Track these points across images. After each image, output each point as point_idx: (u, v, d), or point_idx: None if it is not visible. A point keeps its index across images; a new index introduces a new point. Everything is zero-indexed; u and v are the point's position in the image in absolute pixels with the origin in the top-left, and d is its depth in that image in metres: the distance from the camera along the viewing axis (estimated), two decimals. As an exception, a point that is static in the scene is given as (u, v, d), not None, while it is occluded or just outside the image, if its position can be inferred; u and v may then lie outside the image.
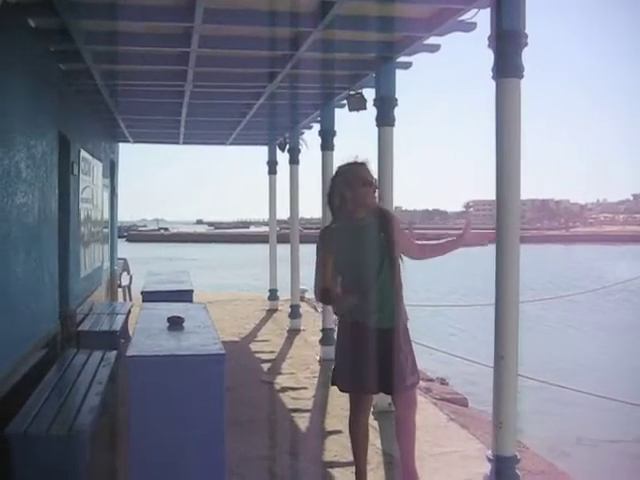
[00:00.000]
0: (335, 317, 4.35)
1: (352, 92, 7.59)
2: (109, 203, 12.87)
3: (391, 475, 4.85)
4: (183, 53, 6.53)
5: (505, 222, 4.31)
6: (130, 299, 13.56)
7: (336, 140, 8.87)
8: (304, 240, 11.90)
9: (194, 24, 5.50)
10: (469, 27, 5.72)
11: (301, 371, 8.09)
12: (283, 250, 12.30)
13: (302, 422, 6.16)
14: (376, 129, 6.63)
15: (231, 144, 13.62)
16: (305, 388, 7.31)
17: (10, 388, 4.93)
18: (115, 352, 6.42)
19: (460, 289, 26.01)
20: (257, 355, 9.14)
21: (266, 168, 13.53)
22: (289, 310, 11.31)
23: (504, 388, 4.28)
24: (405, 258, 4.27)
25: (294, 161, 11.54)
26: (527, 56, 4.30)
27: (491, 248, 4.37)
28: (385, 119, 6.59)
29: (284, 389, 7.27)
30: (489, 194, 4.45)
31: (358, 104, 7.43)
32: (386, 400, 5.66)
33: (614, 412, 8.45)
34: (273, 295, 13.40)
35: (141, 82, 7.97)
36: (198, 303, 6.94)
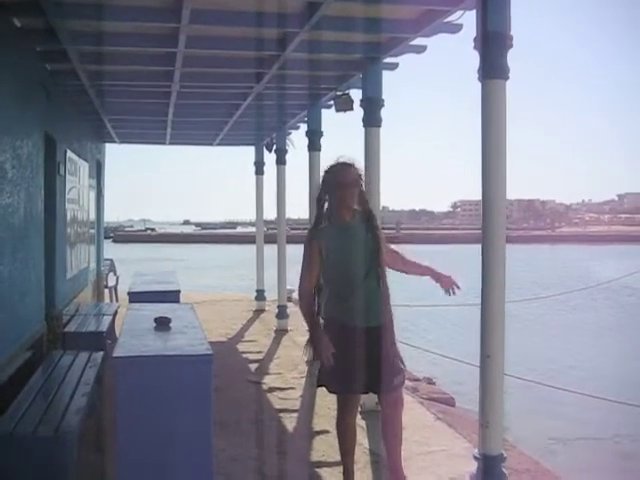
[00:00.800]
0: (321, 318, 4.32)
1: (339, 93, 7.61)
2: (95, 204, 12.82)
3: (378, 474, 4.86)
4: (170, 53, 6.52)
5: (491, 222, 4.34)
6: (117, 300, 13.50)
7: (323, 140, 8.91)
8: (291, 240, 11.89)
9: (181, 24, 5.50)
10: (455, 28, 5.76)
11: (288, 371, 8.09)
12: (270, 251, 12.30)
13: (289, 422, 6.17)
14: (363, 130, 6.66)
15: (218, 144, 13.61)
16: (293, 388, 7.31)
17: (-4, 389, 4.91)
18: (102, 353, 6.39)
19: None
20: (244, 355, 9.13)
21: (253, 168, 13.52)
22: (276, 310, 11.30)
23: (490, 387, 4.31)
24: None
25: (281, 162, 11.54)
26: (513, 56, 4.35)
27: (477, 248, 4.41)
28: (372, 120, 6.60)
29: (271, 389, 7.27)
30: (476, 194, 4.48)
31: (345, 105, 7.45)
32: (373, 399, 5.68)
33: (599, 410, 8.51)
34: (260, 295, 13.40)
35: (128, 82, 7.95)
36: (185, 303, 6.92)
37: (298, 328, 10.70)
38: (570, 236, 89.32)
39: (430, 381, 9.75)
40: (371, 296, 4.12)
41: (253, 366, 8.50)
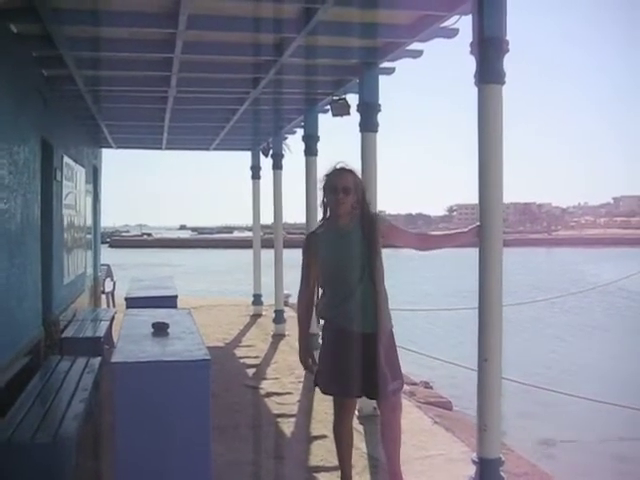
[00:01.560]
0: (321, 322, 4.35)
1: (335, 98, 7.62)
2: (92, 209, 12.82)
3: (377, 479, 4.86)
4: (166, 59, 6.53)
5: (488, 226, 4.35)
6: (114, 305, 13.50)
7: (320, 145, 8.90)
8: (288, 245, 11.90)
9: (177, 30, 5.51)
10: (451, 33, 5.78)
11: (286, 376, 8.09)
12: (267, 255, 12.30)
13: (287, 427, 6.16)
14: (359, 134, 6.67)
15: (214, 149, 13.61)
16: (290, 393, 7.30)
17: (-7, 396, 4.90)
18: (99, 358, 6.39)
19: (439, 292, 26.13)
20: (242, 360, 9.12)
21: (250, 173, 13.53)
22: (273, 315, 11.30)
23: (488, 391, 4.31)
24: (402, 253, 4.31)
25: (277, 166, 11.55)
26: (507, 58, 4.36)
27: (474, 252, 4.41)
28: (368, 125, 6.62)
29: (269, 394, 7.27)
30: (472, 198, 4.49)
31: (342, 110, 7.46)
32: (371, 404, 5.69)
33: (596, 413, 8.53)
34: (257, 300, 13.39)
35: (124, 88, 7.96)
36: (182, 309, 6.92)
37: (295, 333, 10.69)
38: (566, 239, 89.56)
39: (427, 385, 9.76)
40: (367, 301, 4.11)
41: (251, 371, 8.49)
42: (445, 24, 5.57)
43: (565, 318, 20.14)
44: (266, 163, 12.34)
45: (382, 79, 6.79)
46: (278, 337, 10.73)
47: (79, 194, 10.56)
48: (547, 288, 25.87)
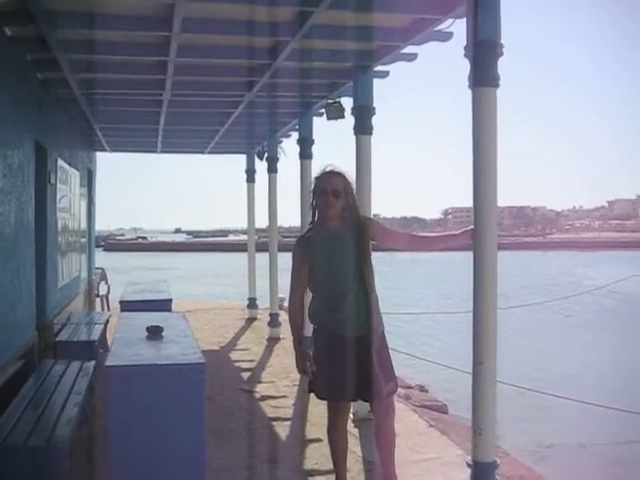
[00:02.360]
0: (312, 325, 4.34)
1: (330, 101, 7.63)
2: (86, 212, 12.79)
3: (371, 482, 4.86)
4: (161, 62, 6.53)
5: (482, 229, 4.35)
6: (108, 309, 13.45)
7: (315, 148, 8.91)
8: (283, 248, 11.86)
9: (172, 33, 5.51)
10: (446, 37, 5.79)
11: (281, 380, 8.08)
12: (262, 259, 12.29)
13: (282, 431, 6.15)
14: (354, 137, 6.68)
15: (209, 153, 13.61)
16: (285, 397, 7.29)
17: (-13, 400, 4.88)
18: (93, 362, 6.37)
19: (432, 295, 26.17)
20: (237, 364, 9.11)
21: (244, 176, 13.53)
22: (268, 319, 11.29)
23: (483, 394, 4.31)
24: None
25: (272, 170, 11.54)
26: (501, 60, 4.37)
27: (469, 255, 4.41)
28: (363, 128, 6.62)
29: (264, 398, 7.25)
30: (467, 201, 4.49)
31: (336, 113, 7.47)
32: (366, 407, 5.68)
33: (591, 416, 8.54)
34: (252, 304, 13.37)
35: (119, 91, 7.95)
36: (177, 312, 6.92)
37: (290, 336, 10.68)
38: (561, 243, 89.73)
39: (422, 388, 9.76)
40: (359, 305, 4.10)
41: (245, 374, 8.48)
42: (439, 27, 5.57)
43: (560, 320, 20.18)
44: (261, 166, 12.36)
45: (376, 82, 6.81)
46: (273, 340, 10.72)
47: (73, 197, 10.54)
48: (544, 291, 25.95)
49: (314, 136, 9.00)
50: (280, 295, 12.05)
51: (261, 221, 13.83)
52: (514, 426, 8.26)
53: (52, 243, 8.44)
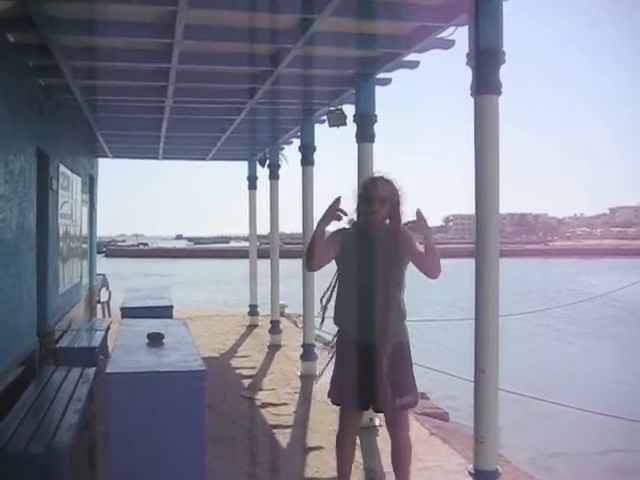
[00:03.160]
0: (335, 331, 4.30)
1: (332, 108, 7.64)
2: (88, 218, 12.80)
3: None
4: (163, 69, 6.54)
5: (484, 236, 4.35)
6: (109, 315, 13.45)
7: (316, 155, 8.91)
8: (284, 255, 11.90)
9: (174, 40, 5.52)
10: (448, 44, 5.79)
11: (282, 387, 8.06)
12: (263, 265, 12.29)
13: (283, 438, 6.14)
14: (356, 145, 6.68)
15: (211, 159, 13.62)
16: (286, 404, 7.28)
17: (-13, 406, 4.86)
18: (94, 369, 6.36)
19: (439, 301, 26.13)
20: (238, 371, 9.09)
21: (246, 183, 13.53)
22: (269, 326, 11.28)
23: (485, 402, 4.30)
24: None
25: (274, 176, 11.56)
26: (506, 69, 4.37)
27: (470, 262, 4.41)
28: (365, 135, 6.63)
29: (265, 405, 7.24)
30: (468, 208, 4.48)
31: (338, 120, 7.47)
32: (367, 416, 5.67)
33: (592, 424, 8.52)
34: (253, 311, 13.36)
35: (121, 98, 7.96)
36: (178, 319, 6.91)
37: (292, 343, 10.68)
38: (563, 250, 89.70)
39: (424, 396, 9.72)
40: (378, 312, 4.00)
41: (246, 382, 8.46)
42: (441, 35, 5.58)
43: (562, 328, 20.17)
44: (263, 173, 12.38)
45: (378, 89, 6.82)
46: (274, 348, 10.70)
47: (75, 203, 10.54)
48: (546, 298, 25.94)
49: (316, 143, 9.00)
50: (281, 302, 12.06)
51: (263, 228, 13.86)
52: (515, 434, 8.23)
53: (53, 249, 8.44)
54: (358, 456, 5.36)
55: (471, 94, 4.38)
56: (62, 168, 9.06)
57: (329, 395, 4.25)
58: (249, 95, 7.74)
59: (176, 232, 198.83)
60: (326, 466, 5.28)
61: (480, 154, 4.36)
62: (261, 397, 7.59)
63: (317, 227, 4.14)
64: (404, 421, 4.18)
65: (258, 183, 13.36)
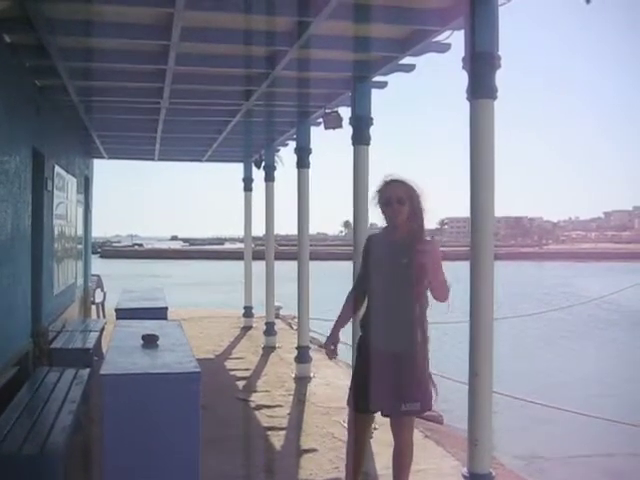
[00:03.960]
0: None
1: (328, 110, 7.65)
2: (83, 219, 12.78)
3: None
4: (159, 70, 6.54)
5: (479, 239, 4.37)
6: (104, 316, 13.42)
7: (312, 158, 8.91)
8: (279, 257, 11.89)
9: (171, 42, 5.52)
10: (444, 48, 5.81)
11: (276, 389, 8.06)
12: (259, 267, 12.28)
13: (277, 440, 6.13)
14: (352, 147, 6.69)
15: (207, 161, 13.62)
16: (280, 406, 7.28)
17: (-19, 407, 4.85)
18: (88, 370, 6.35)
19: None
20: (232, 373, 9.09)
21: (242, 185, 13.53)
22: (264, 327, 11.27)
23: (479, 405, 4.31)
24: None
25: (270, 178, 11.57)
26: (501, 71, 4.38)
27: (465, 265, 4.41)
28: (360, 138, 6.64)
29: (259, 407, 7.23)
30: (464, 211, 4.50)
31: (334, 122, 7.48)
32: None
33: (586, 427, 8.53)
34: (248, 312, 13.35)
35: (117, 99, 7.95)
36: (173, 320, 6.90)
37: (286, 345, 10.68)
38: (558, 253, 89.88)
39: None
40: (395, 319, 4.02)
41: (241, 383, 8.46)
42: (437, 39, 5.60)
43: (554, 331, 20.22)
44: (258, 175, 12.38)
45: (375, 92, 6.83)
46: (269, 349, 10.70)
47: (70, 204, 10.53)
48: (540, 302, 25.99)
49: (311, 145, 9.01)
50: (276, 304, 12.05)
51: (258, 229, 13.85)
52: (508, 437, 8.23)
53: (48, 250, 8.43)
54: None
55: (467, 98, 4.40)
56: (57, 169, 9.05)
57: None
58: (245, 97, 7.74)
59: (171, 233, 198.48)
60: (320, 469, 5.29)
61: (475, 157, 4.37)
62: (255, 399, 7.58)
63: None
64: (408, 424, 4.18)
65: (254, 185, 13.36)
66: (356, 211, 6.56)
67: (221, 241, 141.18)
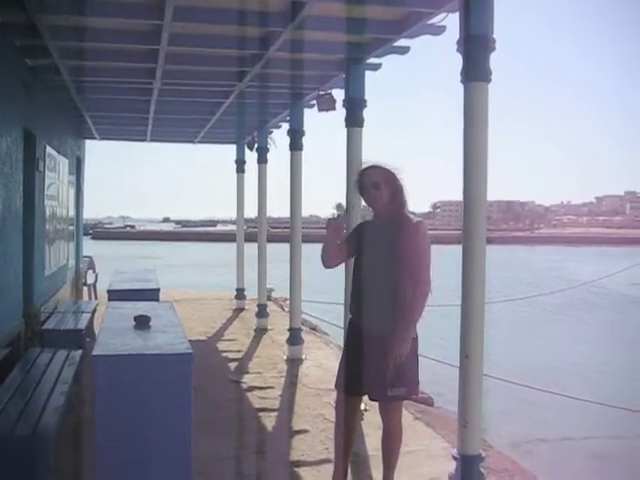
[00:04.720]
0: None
1: (321, 92, 7.62)
2: (75, 200, 12.73)
3: (357, 474, 4.87)
4: (152, 50, 6.49)
5: (472, 223, 4.37)
6: (96, 297, 13.41)
7: (305, 140, 8.88)
8: (272, 239, 11.89)
9: (164, 22, 5.48)
10: (438, 30, 5.79)
11: (268, 370, 8.09)
12: (251, 249, 12.28)
13: (269, 421, 6.17)
14: (345, 129, 6.67)
15: (199, 142, 13.57)
16: (272, 387, 7.31)
17: (-28, 387, 4.85)
18: (80, 351, 6.35)
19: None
20: (224, 354, 9.11)
21: (234, 167, 13.49)
22: (256, 309, 11.29)
23: (469, 387, 4.34)
24: None
25: (262, 160, 11.54)
26: (495, 56, 4.37)
27: (457, 248, 4.42)
28: (354, 120, 6.62)
29: (251, 388, 7.26)
30: (456, 195, 4.50)
31: (327, 105, 7.46)
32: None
33: (574, 410, 8.62)
34: (240, 294, 13.37)
35: (109, 79, 7.91)
36: (165, 302, 6.89)
37: (278, 327, 10.71)
38: (549, 237, 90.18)
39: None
40: (380, 302, 4.02)
41: (233, 365, 8.48)
42: (432, 21, 5.58)
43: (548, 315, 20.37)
44: (251, 157, 12.34)
45: (368, 74, 6.80)
46: (261, 331, 10.73)
47: (62, 185, 10.48)
48: (533, 285, 26.13)
49: (305, 127, 8.98)
50: (268, 286, 12.05)
51: (250, 211, 13.83)
52: (498, 419, 8.30)
53: (40, 231, 8.40)
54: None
55: (461, 81, 4.38)
56: (49, 149, 9.00)
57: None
58: (238, 78, 7.70)
59: (163, 215, 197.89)
60: (312, 449, 5.32)
61: (469, 141, 4.36)
62: (247, 380, 7.61)
63: (323, 248, 4.30)
64: (396, 408, 4.20)
65: (246, 167, 13.32)
66: (349, 193, 6.56)
67: (214, 223, 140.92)
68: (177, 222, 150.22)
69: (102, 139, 13.92)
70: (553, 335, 17.35)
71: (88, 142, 14.56)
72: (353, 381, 4.11)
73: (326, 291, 13.54)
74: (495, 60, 4.36)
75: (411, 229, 4.04)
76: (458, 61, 4.40)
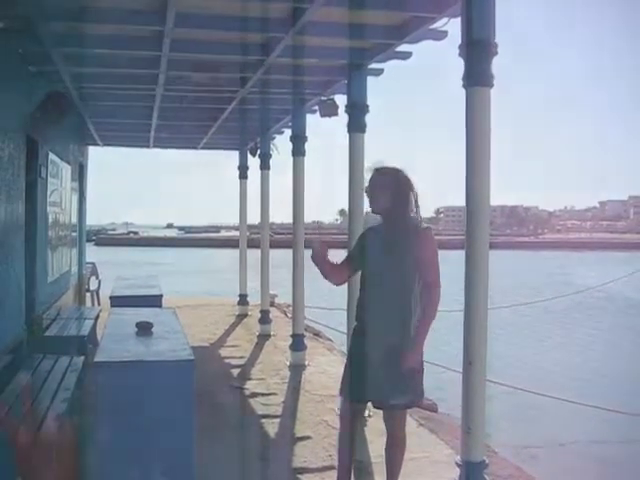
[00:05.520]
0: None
1: (324, 98, 7.62)
2: (77, 206, 12.72)
3: (360, 479, 4.85)
4: (154, 57, 6.50)
5: (475, 228, 4.35)
6: (98, 304, 13.40)
7: (308, 146, 8.88)
8: (274, 245, 11.88)
9: (165, 28, 5.49)
10: (440, 35, 5.78)
11: (271, 377, 8.07)
12: (254, 255, 12.27)
13: (272, 428, 6.14)
14: (347, 135, 6.67)
15: (202, 148, 13.57)
16: (275, 394, 7.29)
17: (-25, 394, 4.84)
18: (83, 357, 6.35)
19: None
20: (227, 361, 9.09)
21: (237, 173, 13.49)
22: (259, 315, 11.27)
23: (472, 393, 4.31)
24: None
25: (265, 166, 11.53)
26: (499, 61, 4.36)
27: (460, 254, 4.41)
28: (356, 125, 6.62)
29: (254, 395, 7.24)
30: (459, 200, 4.48)
31: (329, 110, 7.46)
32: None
33: (578, 415, 8.58)
34: (243, 300, 13.35)
35: (111, 85, 7.92)
36: (167, 308, 6.89)
37: (281, 333, 10.68)
38: (553, 243, 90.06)
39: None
40: (386, 311, 3.97)
41: (235, 371, 8.46)
42: (434, 26, 5.57)
43: (552, 321, 20.32)
44: (254, 163, 12.34)
45: (370, 79, 6.80)
46: (263, 337, 10.70)
47: (64, 191, 10.48)
48: (537, 291, 26.09)
49: (307, 133, 8.97)
50: (271, 292, 12.04)
51: (253, 217, 13.81)
52: (502, 425, 8.27)
53: (42, 237, 8.39)
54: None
55: (463, 85, 4.37)
56: (51, 155, 9.00)
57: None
58: (240, 84, 7.71)
59: (167, 221, 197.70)
60: (315, 456, 5.30)
61: (471, 146, 4.35)
62: (250, 387, 7.59)
63: (321, 274, 4.22)
64: (400, 416, 4.16)
65: (249, 173, 13.32)
66: (351, 199, 6.55)
67: (216, 229, 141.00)
68: (180, 228, 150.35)
69: (105, 145, 13.93)
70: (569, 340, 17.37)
71: (91, 148, 14.57)
72: (357, 388, 4.07)
73: (328, 297, 13.53)
74: (495, 62, 4.35)
75: (421, 235, 4.00)
76: (461, 66, 4.39)
